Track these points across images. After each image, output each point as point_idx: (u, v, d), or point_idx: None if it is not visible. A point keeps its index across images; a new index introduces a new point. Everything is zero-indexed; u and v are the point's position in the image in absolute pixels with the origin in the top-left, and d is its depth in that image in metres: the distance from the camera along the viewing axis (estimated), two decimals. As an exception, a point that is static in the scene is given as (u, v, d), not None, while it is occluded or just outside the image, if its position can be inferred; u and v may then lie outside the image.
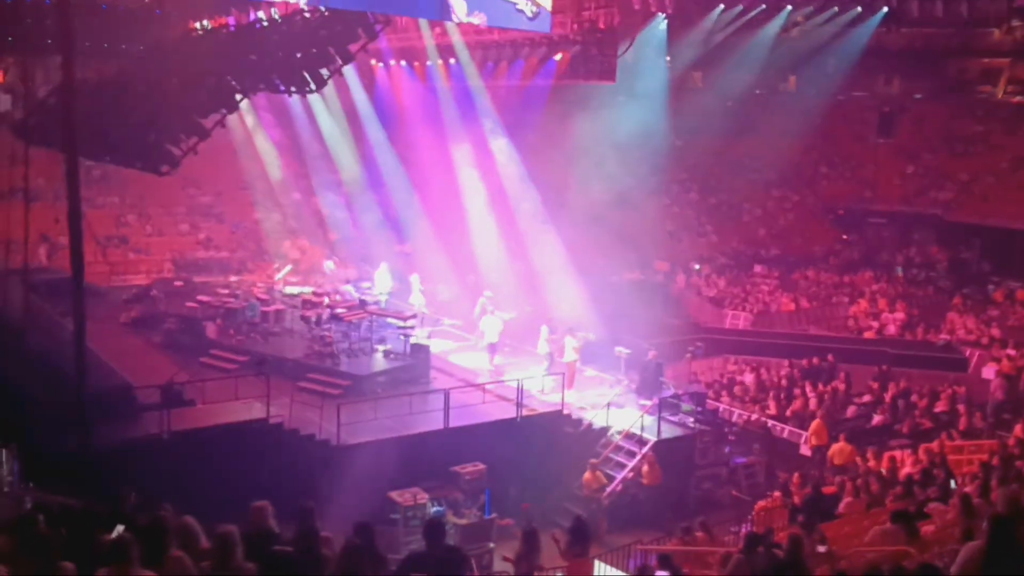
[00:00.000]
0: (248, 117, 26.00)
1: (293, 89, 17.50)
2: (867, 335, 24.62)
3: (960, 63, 30.50)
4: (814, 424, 16.83)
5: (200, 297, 19.89)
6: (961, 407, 17.76)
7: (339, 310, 18.62)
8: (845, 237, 31.37)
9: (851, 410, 18.51)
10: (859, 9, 25.11)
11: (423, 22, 21.58)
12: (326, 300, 19.65)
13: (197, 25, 17.67)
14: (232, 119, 24.16)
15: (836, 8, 25.20)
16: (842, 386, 19.48)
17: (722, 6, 25.26)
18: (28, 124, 16.43)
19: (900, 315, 25.25)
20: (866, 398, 19.10)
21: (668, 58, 27.14)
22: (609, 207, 26.42)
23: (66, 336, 13.39)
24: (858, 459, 15.11)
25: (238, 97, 17.06)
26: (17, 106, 17.85)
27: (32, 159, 15.76)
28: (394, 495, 13.76)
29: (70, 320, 12.77)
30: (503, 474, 14.77)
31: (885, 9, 24.98)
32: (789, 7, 25.19)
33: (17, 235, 15.09)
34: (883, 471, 13.55)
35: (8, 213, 15.04)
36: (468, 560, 6.64)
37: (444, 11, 16.61)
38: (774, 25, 26.12)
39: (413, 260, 24.50)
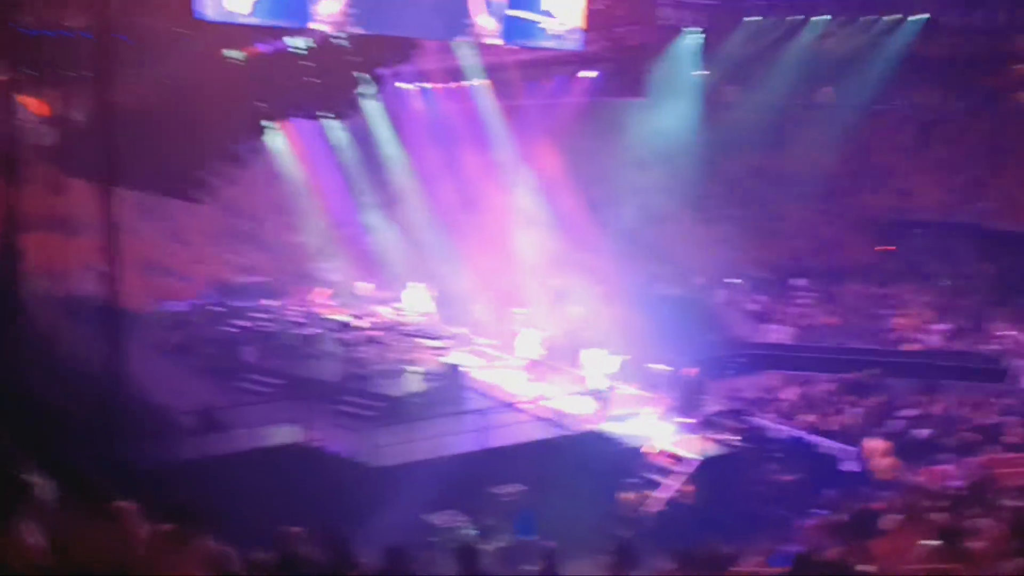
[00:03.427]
0: (284, 142, 26.26)
1: (325, 114, 17.64)
2: (911, 347, 24.15)
3: (1000, 71, 29.99)
4: (874, 441, 16.50)
5: (238, 321, 20.04)
6: (1009, 419, 17.33)
7: (374, 332, 18.65)
8: (886, 249, 30.86)
9: (896, 424, 18.13)
10: (897, 17, 24.82)
11: (451, 44, 21.66)
12: (361, 322, 19.70)
13: (230, 53, 17.87)
14: (269, 144, 24.48)
15: (872, 17, 24.92)
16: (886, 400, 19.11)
17: (755, 18, 25.10)
18: (66, 154, 16.69)
19: (944, 326, 24.75)
20: (911, 412, 18.70)
21: (701, 72, 27.01)
22: (643, 223, 26.27)
23: (104, 361, 13.55)
24: (904, 474, 14.78)
25: (270, 123, 17.23)
26: (56, 137, 18.14)
27: (72, 188, 16.03)
28: (431, 518, 13.68)
29: (109, 346, 12.92)
30: (542, 495, 14.62)
31: (924, 16, 24.65)
32: (824, 17, 24.96)
33: (58, 264, 15.33)
34: (929, 486, 13.22)
35: (49, 242, 15.31)
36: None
37: (474, 33, 16.65)
38: (809, 36, 25.91)
39: (446, 281, 24.50)
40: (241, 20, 14.46)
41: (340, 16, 15.45)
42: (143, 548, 5.50)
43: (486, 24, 16.36)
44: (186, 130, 16.46)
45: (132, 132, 15.78)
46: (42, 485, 7.81)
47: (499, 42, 16.65)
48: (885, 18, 24.74)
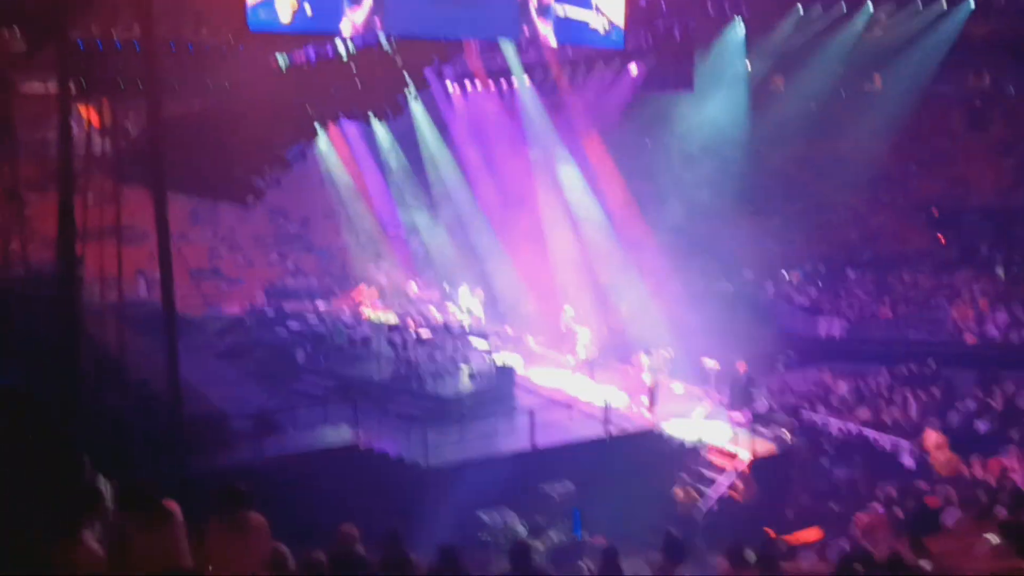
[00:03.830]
0: (331, 144, 26.55)
1: (371, 116, 17.80)
2: (969, 337, 23.67)
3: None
4: (932, 434, 16.21)
5: (290, 324, 20.29)
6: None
7: (424, 333, 18.77)
8: (941, 237, 30.26)
9: (954, 417, 17.77)
10: (944, 5, 24.30)
11: (495, 43, 21.68)
12: (411, 322, 19.84)
13: (278, 59, 18.12)
14: (317, 147, 24.75)
15: (920, 4, 24.42)
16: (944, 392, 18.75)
17: (800, 7, 24.72)
18: (119, 163, 17.05)
19: (1003, 315, 24.20)
20: (970, 403, 18.31)
21: (747, 63, 26.70)
22: (690, 218, 26.06)
23: (161, 367, 13.80)
24: (963, 468, 14.49)
25: (317, 127, 17.46)
26: (110, 147, 18.56)
27: (126, 197, 16.37)
28: (483, 516, 13.75)
29: (165, 352, 13.15)
30: (593, 493, 14.60)
31: (971, 5, 24.10)
32: (870, 4, 24.51)
33: (112, 271, 15.67)
34: (991, 481, 12.93)
35: (104, 250, 15.65)
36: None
37: (517, 31, 16.63)
38: (856, 23, 25.45)
39: (493, 280, 24.56)
40: (283, 29, 14.60)
41: (381, 19, 15.56)
42: (199, 550, 5.63)
43: (529, 22, 16.34)
44: (236, 136, 16.74)
45: (183, 140, 16.11)
46: (105, 491, 8.01)
47: (544, 39, 16.63)
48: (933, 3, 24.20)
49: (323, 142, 25.57)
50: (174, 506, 6.10)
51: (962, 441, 16.36)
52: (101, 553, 5.41)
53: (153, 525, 5.66)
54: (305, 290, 25.73)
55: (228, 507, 6.16)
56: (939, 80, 29.70)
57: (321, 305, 23.40)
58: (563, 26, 16.23)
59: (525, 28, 16.01)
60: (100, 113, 19.41)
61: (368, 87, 17.30)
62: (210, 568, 5.67)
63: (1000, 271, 27.57)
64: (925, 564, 8.21)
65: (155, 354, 16.21)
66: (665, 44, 19.99)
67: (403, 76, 16.87)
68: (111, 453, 11.85)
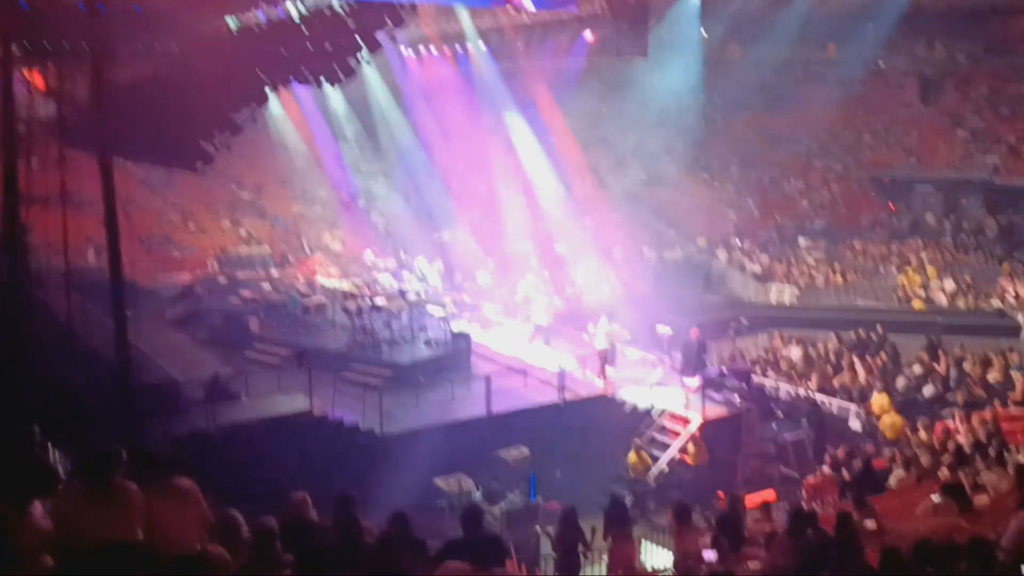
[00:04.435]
0: (285, 111, 26.18)
1: (323, 80, 17.56)
2: (916, 305, 24.14)
3: (1004, 22, 29.66)
4: (878, 398, 16.56)
5: (243, 292, 20.08)
6: (1015, 374, 17.32)
7: (379, 301, 18.69)
8: (891, 206, 30.74)
9: (901, 381, 18.16)
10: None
11: (450, 7, 21.47)
12: (366, 291, 19.74)
13: (228, 22, 17.77)
14: (270, 113, 24.36)
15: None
16: (891, 358, 19.13)
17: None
18: (66, 128, 16.64)
19: (949, 282, 24.71)
20: (916, 368, 18.72)
21: (703, 32, 26.78)
22: (646, 186, 26.21)
23: (111, 334, 13.59)
24: (908, 431, 14.83)
25: (268, 91, 17.20)
26: (56, 111, 18.08)
27: (75, 163, 15.98)
28: (439, 482, 13.81)
29: (115, 319, 12.94)
30: (548, 458, 14.73)
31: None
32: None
33: (60, 238, 15.32)
34: (935, 443, 13.26)
35: (51, 217, 15.29)
36: (506, 547, 6.59)
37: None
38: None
39: (449, 247, 24.50)
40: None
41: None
42: (150, 518, 5.57)
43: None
44: (184, 100, 16.42)
45: (131, 104, 15.75)
46: (55, 462, 7.87)
47: (499, 4, 16.56)
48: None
49: (276, 108, 25.20)
50: (187, 483, 6.02)
51: (907, 405, 16.74)
52: (49, 527, 5.35)
53: (106, 498, 5.59)
54: (258, 258, 25.45)
55: (152, 474, 6.07)
56: (892, 51, 30.09)
57: (275, 273, 23.18)
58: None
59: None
60: (45, 77, 18.91)
61: (320, 50, 17.05)
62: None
63: (948, 239, 28.13)
64: (870, 523, 8.43)
65: (105, 322, 16.01)
66: (619, 10, 19.92)
67: (355, 39, 16.63)
68: (61, 423, 11.71)
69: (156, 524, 5.55)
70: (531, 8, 16.84)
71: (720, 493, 12.02)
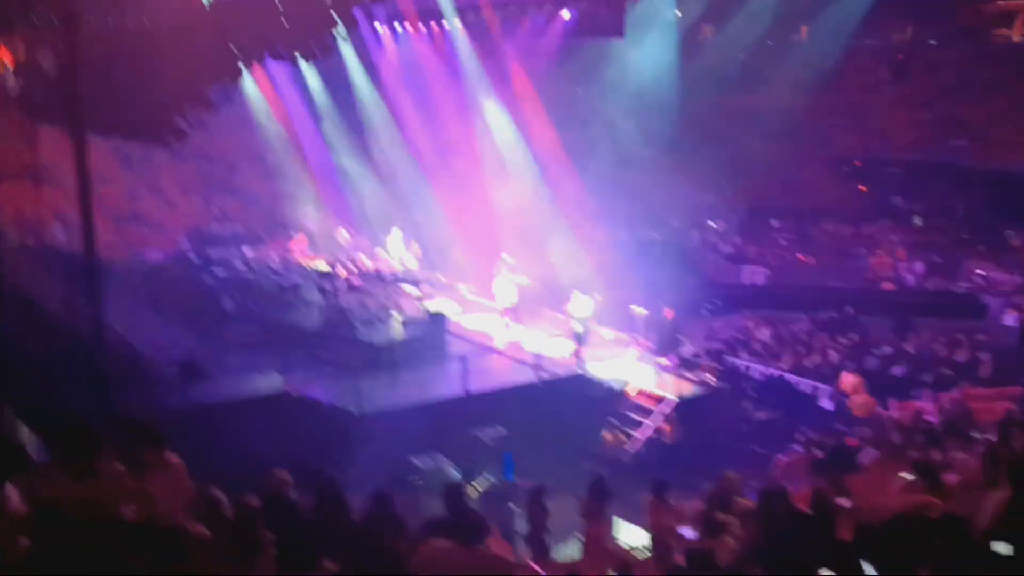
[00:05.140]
0: (258, 87, 25.85)
1: (298, 56, 17.38)
2: (885, 285, 24.42)
3: (974, 6, 29.87)
4: (849, 378, 16.75)
5: (215, 270, 19.92)
6: (983, 355, 17.62)
7: (354, 280, 18.62)
8: (861, 188, 30.99)
9: (871, 361, 18.40)
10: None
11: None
12: (340, 269, 19.65)
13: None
14: (244, 89, 24.03)
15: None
16: (861, 338, 19.36)
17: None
18: (34, 102, 16.39)
19: (918, 264, 25.02)
20: (886, 349, 18.97)
21: (678, 12, 26.73)
22: (619, 166, 26.20)
23: (83, 313, 13.46)
24: (880, 411, 15.05)
25: (242, 66, 17.00)
26: (24, 85, 17.78)
27: (43, 138, 15.77)
28: (415, 461, 13.83)
29: (86, 297, 12.83)
30: (524, 437, 14.79)
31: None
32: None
33: (29, 214, 15.15)
34: (905, 422, 13.48)
35: (19, 193, 15.11)
36: (487, 524, 6.63)
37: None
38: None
39: (424, 226, 24.41)
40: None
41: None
42: (136, 495, 5.54)
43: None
44: (157, 75, 16.19)
45: (102, 78, 15.52)
46: (27, 441, 7.78)
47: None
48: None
49: (250, 84, 24.88)
50: (174, 458, 5.98)
51: (878, 385, 16.98)
52: (24, 509, 5.28)
53: (91, 476, 5.53)
54: (231, 236, 25.22)
55: (140, 444, 6.03)
56: (864, 33, 30.21)
57: (248, 251, 22.99)
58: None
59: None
60: (13, 50, 18.58)
61: (295, 26, 16.85)
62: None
63: (917, 222, 28.44)
64: (844, 501, 8.55)
65: (75, 300, 15.85)
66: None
67: (331, 15, 16.46)
68: (33, 401, 11.60)
69: (142, 500, 5.52)
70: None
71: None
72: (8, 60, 18.38)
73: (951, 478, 8.81)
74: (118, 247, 23.68)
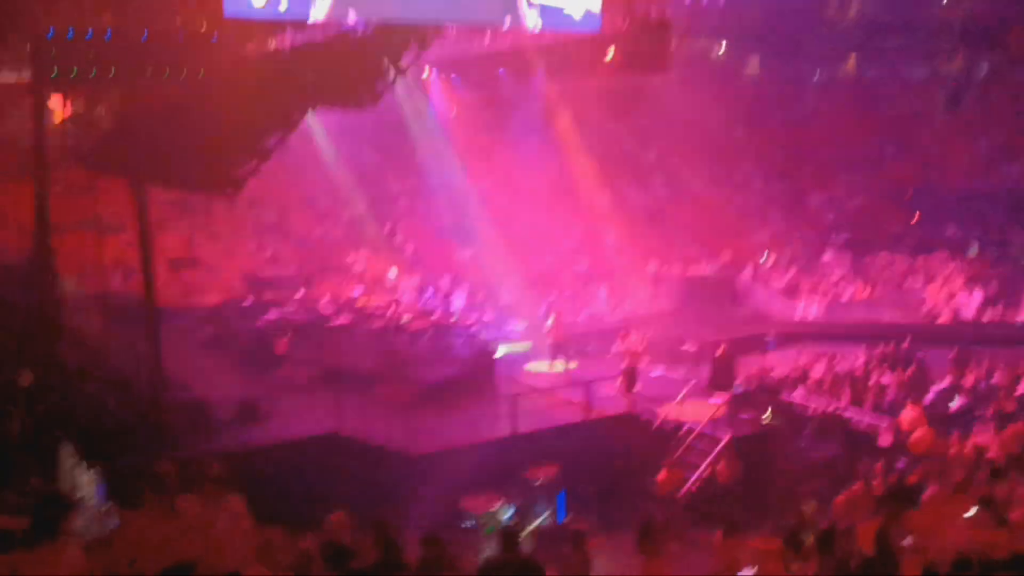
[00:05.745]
0: (308, 134, 26.35)
1: (349, 105, 17.69)
2: (943, 318, 23.95)
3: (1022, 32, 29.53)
4: (908, 412, 16.40)
5: (269, 313, 20.21)
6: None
7: (404, 319, 18.76)
8: (916, 218, 30.55)
9: (931, 396, 18.00)
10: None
11: (472, 30, 21.60)
12: (392, 310, 19.82)
13: (253, 49, 17.96)
14: (294, 136, 24.52)
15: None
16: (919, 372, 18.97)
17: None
18: (93, 154, 16.89)
19: (977, 295, 24.51)
20: (945, 382, 18.55)
21: (724, 46, 26.84)
22: (670, 202, 26.21)
23: (143, 358, 13.75)
24: (940, 445, 14.70)
25: (295, 117, 17.34)
26: (83, 137, 18.35)
27: (103, 189, 16.23)
28: (467, 502, 13.80)
29: (146, 342, 13.12)
30: (577, 477, 14.70)
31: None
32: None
33: (91, 263, 15.57)
34: (966, 457, 13.14)
35: (81, 242, 15.55)
36: (541, 568, 6.59)
37: (500, 17, 16.78)
38: (831, 5, 25.66)
39: (473, 266, 24.57)
40: (257, 14, 14.57)
41: (357, 4, 15.56)
42: (194, 538, 5.63)
43: (524, 10, 16.56)
44: (214, 127, 16.58)
45: (160, 130, 15.96)
46: (86, 482, 7.95)
47: (524, 26, 16.75)
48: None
49: (303, 130, 25.37)
50: (238, 501, 6.09)
51: (938, 419, 16.58)
52: (80, 553, 5.38)
53: (166, 517, 5.65)
54: (284, 279, 25.58)
55: (203, 486, 6.15)
56: (913, 63, 30.00)
57: (301, 293, 23.29)
58: (542, 13, 16.39)
59: (508, 17, 16.16)
60: (72, 103, 19.21)
61: (345, 75, 17.18)
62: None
63: (973, 252, 27.91)
64: (906, 540, 8.37)
65: (135, 345, 16.19)
66: (640, 27, 19.97)
67: (381, 62, 16.77)
68: (94, 443, 11.83)
69: (210, 543, 5.62)
70: (535, 30, 17.12)
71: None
72: (67, 112, 19.00)
73: (1016, 514, 8.57)
74: (175, 292, 24.17)
